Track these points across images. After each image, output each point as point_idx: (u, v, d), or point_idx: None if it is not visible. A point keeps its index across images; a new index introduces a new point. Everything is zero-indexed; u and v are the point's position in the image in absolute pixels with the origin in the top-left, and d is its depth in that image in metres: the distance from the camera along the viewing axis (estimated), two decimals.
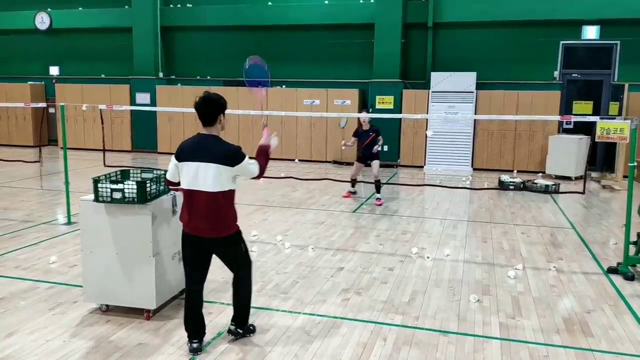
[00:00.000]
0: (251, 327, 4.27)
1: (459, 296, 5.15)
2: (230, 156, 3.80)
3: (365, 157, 9.63)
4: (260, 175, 3.99)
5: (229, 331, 4.19)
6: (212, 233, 3.84)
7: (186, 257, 3.98)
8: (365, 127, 9.51)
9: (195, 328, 3.99)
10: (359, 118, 9.72)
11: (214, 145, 3.80)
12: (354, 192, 10.06)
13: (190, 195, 3.83)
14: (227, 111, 3.96)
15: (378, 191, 9.49)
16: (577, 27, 13.24)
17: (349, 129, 11.68)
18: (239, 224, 4.00)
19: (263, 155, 4.06)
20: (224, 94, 4.03)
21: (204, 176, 3.75)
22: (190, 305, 4.01)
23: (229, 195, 3.87)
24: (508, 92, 13.33)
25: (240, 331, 4.17)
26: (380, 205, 9.26)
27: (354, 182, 9.99)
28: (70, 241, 6.71)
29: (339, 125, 11.41)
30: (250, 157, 3.95)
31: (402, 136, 13.96)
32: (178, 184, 3.95)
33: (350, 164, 12.22)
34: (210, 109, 3.83)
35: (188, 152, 3.82)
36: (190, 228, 3.86)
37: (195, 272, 4.00)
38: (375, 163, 9.49)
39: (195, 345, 3.95)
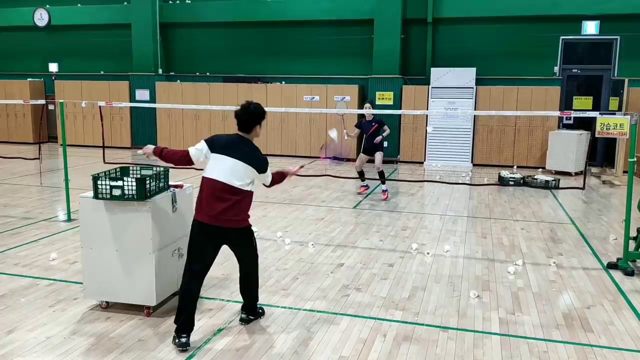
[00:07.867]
0: (260, 311, 4.50)
1: (458, 292, 5.16)
2: (262, 164, 4.14)
3: (368, 148, 9.50)
4: (269, 186, 4.43)
5: (242, 319, 4.38)
6: (233, 223, 4.01)
7: (197, 248, 4.03)
8: (369, 117, 9.40)
9: (186, 323, 4.00)
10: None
11: (249, 148, 4.11)
12: (366, 186, 9.91)
13: (216, 186, 3.97)
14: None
15: (383, 182, 9.39)
16: (577, 23, 13.21)
17: (350, 120, 11.65)
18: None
19: (279, 175, 4.51)
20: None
21: (233, 171, 3.98)
22: (188, 300, 4.03)
23: (250, 195, 4.13)
24: (508, 87, 13.30)
25: (252, 317, 4.43)
26: (386, 198, 9.22)
27: (362, 175, 9.78)
28: (70, 238, 6.72)
29: (330, 133, 11.40)
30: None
31: (401, 132, 13.94)
32: (192, 164, 4.17)
33: (350, 160, 12.16)
34: (248, 118, 4.11)
35: (222, 145, 4.05)
36: (209, 218, 3.95)
37: (202, 264, 4.06)
38: (379, 154, 9.38)
39: (183, 339, 3.94)
